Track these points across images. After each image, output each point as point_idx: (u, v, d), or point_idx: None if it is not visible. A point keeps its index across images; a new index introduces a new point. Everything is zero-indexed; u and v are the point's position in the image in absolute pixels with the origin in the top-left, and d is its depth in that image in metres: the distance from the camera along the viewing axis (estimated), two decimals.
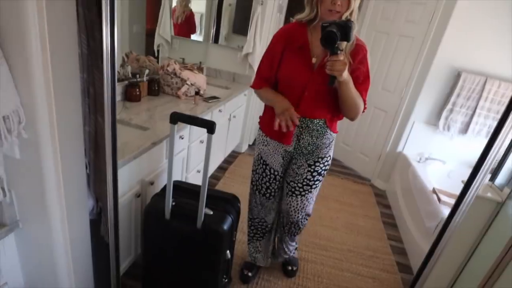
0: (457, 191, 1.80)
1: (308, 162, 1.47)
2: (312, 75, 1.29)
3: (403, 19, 2.99)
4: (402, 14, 2.99)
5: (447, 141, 2.93)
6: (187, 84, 2.32)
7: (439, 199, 2.20)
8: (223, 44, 3.36)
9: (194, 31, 3.31)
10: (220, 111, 2.50)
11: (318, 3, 1.22)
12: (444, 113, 2.80)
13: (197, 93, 2.30)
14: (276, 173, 1.54)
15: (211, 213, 1.29)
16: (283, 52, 1.33)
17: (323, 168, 1.50)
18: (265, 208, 1.66)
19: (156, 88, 2.25)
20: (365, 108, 1.36)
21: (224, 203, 1.40)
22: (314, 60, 1.29)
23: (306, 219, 1.67)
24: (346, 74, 1.16)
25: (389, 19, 3.12)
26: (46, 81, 0.71)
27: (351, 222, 2.64)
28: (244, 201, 2.46)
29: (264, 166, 1.55)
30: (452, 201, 2.04)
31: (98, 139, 0.94)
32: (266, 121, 1.47)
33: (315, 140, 1.41)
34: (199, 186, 1.27)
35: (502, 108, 2.70)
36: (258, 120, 1.57)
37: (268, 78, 1.41)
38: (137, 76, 2.08)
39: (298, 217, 1.62)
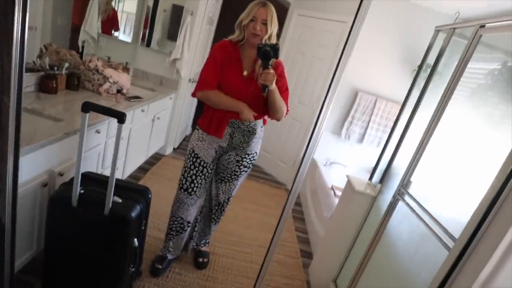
0: None
1: (236, 158, 1.76)
2: (242, 83, 1.61)
3: (316, 43, 3.44)
4: (315, 39, 3.44)
5: (348, 148, 3.42)
6: (109, 81, 2.32)
7: (334, 194, 2.59)
8: (155, 48, 3.40)
9: (117, 29, 3.28)
10: (142, 110, 2.55)
11: (244, 28, 1.56)
12: (346, 125, 3.29)
13: (119, 91, 2.32)
14: (205, 165, 1.73)
15: (120, 201, 1.36)
16: (220, 63, 1.61)
17: (249, 162, 1.80)
18: (184, 205, 1.80)
19: (76, 82, 2.21)
20: (287, 111, 1.70)
21: (135, 193, 1.48)
22: (245, 72, 1.62)
23: (229, 201, 1.94)
24: (274, 84, 1.50)
25: (305, 41, 3.55)
26: None
27: (264, 221, 2.87)
28: (161, 200, 2.55)
29: (194, 159, 1.72)
30: None
31: (2, 118, 0.97)
32: (207, 121, 1.69)
33: (246, 139, 1.71)
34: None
35: (389, 123, 3.28)
36: (196, 124, 1.79)
37: (215, 82, 1.64)
38: (55, 68, 2.03)
39: (224, 198, 1.90)
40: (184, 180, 1.76)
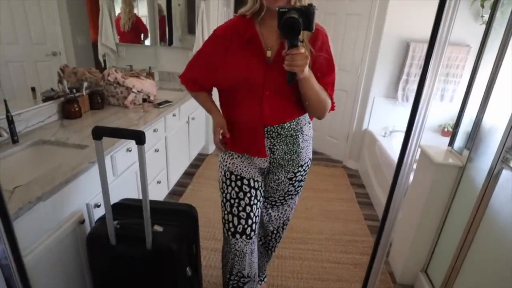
0: None
1: (288, 176, 1.27)
2: (268, 70, 1.09)
3: None
4: None
5: (407, 111, 2.93)
6: (133, 92, 2.16)
7: None
8: (178, 46, 3.20)
9: (146, 36, 3.15)
10: (174, 115, 2.37)
11: None
12: (401, 85, 2.82)
13: (144, 100, 2.15)
14: (257, 184, 1.24)
15: (161, 230, 1.17)
16: (227, 53, 1.12)
17: (305, 174, 1.32)
18: (244, 256, 1.26)
19: (100, 100, 2.08)
20: (333, 106, 1.19)
21: (177, 215, 1.29)
22: (269, 53, 1.09)
23: (286, 225, 1.49)
24: (307, 70, 0.99)
25: None
26: None
27: (327, 209, 2.59)
28: (212, 205, 2.39)
29: (239, 183, 1.22)
30: None
31: None
32: (231, 134, 1.22)
33: (291, 147, 1.21)
34: (152, 202, 1.14)
35: (450, 71, 2.75)
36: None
37: (198, 80, 1.23)
38: (74, 90, 1.90)
39: (278, 223, 1.46)
40: (235, 221, 1.21)
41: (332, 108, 1.18)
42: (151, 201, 1.14)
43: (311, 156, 1.31)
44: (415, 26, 2.70)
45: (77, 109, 1.87)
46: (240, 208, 1.21)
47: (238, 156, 1.24)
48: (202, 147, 3.35)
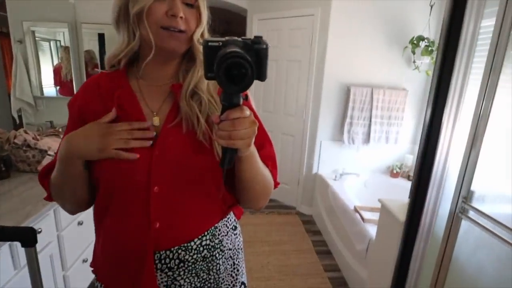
0: (375, 201, 1.75)
1: None
2: (156, 149, 0.68)
3: (286, 45, 3.03)
4: (285, 41, 3.03)
5: (355, 153, 2.98)
6: (49, 154, 1.82)
7: (362, 218, 2.11)
8: None
9: None
10: None
11: (142, 19, 0.64)
12: (346, 127, 2.85)
13: None
14: None
15: None
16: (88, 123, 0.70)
17: None
18: None
19: (3, 168, 1.70)
20: (277, 184, 0.80)
21: None
22: (155, 121, 0.70)
23: None
24: (253, 144, 0.61)
25: (274, 46, 3.13)
26: None
27: (284, 264, 2.38)
28: None
29: None
30: (375, 216, 1.95)
31: None
32: (102, 258, 0.77)
33: (205, 277, 0.76)
34: None
35: (392, 113, 2.87)
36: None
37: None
38: None
39: None
40: None
41: (275, 187, 0.80)
42: None
43: (244, 279, 0.86)
44: (354, 71, 2.82)
45: None
46: None
47: None
48: None
